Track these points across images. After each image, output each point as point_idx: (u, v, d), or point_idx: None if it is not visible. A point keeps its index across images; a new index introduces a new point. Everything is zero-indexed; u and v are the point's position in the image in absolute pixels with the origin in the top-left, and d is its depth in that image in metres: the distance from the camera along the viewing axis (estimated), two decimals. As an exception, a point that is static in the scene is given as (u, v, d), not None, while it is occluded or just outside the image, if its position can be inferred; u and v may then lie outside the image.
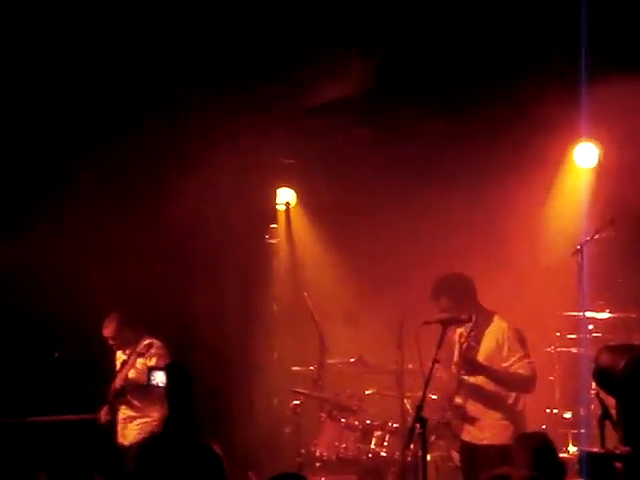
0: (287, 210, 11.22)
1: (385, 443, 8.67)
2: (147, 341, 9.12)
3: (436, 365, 6.94)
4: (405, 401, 8.34)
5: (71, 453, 8.83)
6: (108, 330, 9.22)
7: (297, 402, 9.18)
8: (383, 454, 8.64)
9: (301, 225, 11.23)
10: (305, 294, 9.55)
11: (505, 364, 7.50)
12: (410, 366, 8.07)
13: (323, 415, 8.97)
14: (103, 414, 9.26)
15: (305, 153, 10.68)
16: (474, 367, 7.54)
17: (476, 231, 9.80)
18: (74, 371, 9.83)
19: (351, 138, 10.45)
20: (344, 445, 8.71)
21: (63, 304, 9.72)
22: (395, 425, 8.59)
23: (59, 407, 9.59)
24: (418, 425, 6.69)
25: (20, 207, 9.66)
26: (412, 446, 7.38)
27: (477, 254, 9.50)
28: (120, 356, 9.35)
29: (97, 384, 9.57)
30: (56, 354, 9.65)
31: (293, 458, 8.90)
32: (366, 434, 8.71)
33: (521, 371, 7.49)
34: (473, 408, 7.62)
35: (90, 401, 9.55)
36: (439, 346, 7.03)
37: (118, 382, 9.13)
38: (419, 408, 6.74)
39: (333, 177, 10.43)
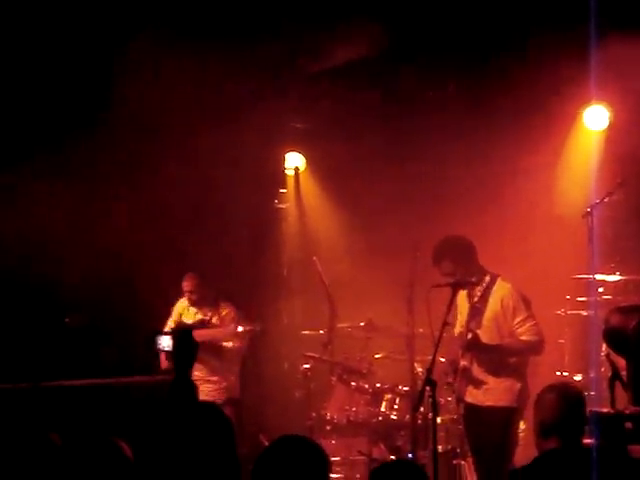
0: (296, 175, 11.20)
1: (395, 406, 8.69)
2: (227, 309, 9.37)
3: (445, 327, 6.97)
4: (415, 364, 8.35)
5: (86, 418, 8.85)
6: (188, 284, 9.39)
7: (307, 366, 9.20)
8: (393, 417, 8.66)
9: (310, 190, 11.21)
10: (315, 258, 9.53)
11: (510, 325, 7.52)
12: (420, 330, 8.08)
13: (333, 379, 8.98)
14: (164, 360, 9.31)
15: (314, 117, 10.65)
16: (479, 349, 7.56)
17: (487, 194, 9.77)
18: (84, 336, 9.86)
19: (361, 102, 10.40)
20: (354, 408, 8.73)
21: (73, 269, 9.74)
22: (405, 388, 8.60)
23: (71, 372, 9.61)
24: (428, 388, 6.71)
25: (24, 169, 9.63)
26: (422, 409, 7.41)
27: (488, 217, 9.48)
28: (190, 312, 9.44)
29: (107, 349, 9.61)
30: (66, 319, 9.69)
31: (304, 421, 8.92)
32: (376, 397, 8.73)
33: (525, 337, 7.51)
34: (478, 370, 7.64)
35: (101, 366, 9.59)
36: (449, 309, 7.06)
37: (200, 338, 9.21)
38: (429, 371, 6.77)
39: (342, 142, 10.39)
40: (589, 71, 7.95)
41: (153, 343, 7.73)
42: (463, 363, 7.67)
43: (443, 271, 7.70)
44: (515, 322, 7.53)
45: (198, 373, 9.26)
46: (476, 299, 7.58)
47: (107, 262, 9.83)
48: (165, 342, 7.44)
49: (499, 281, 7.64)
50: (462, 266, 7.65)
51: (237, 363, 9.49)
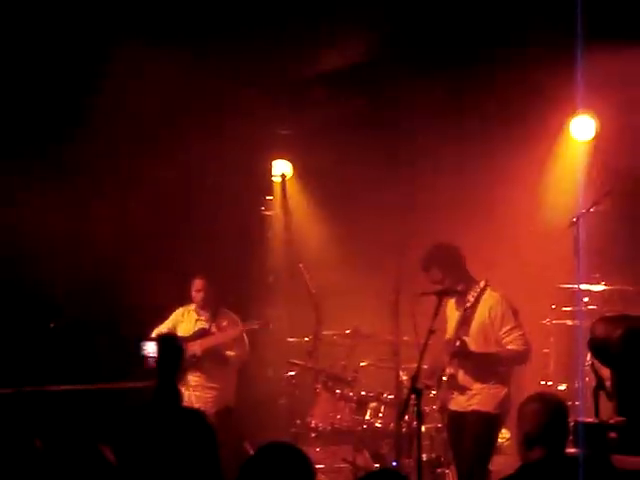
0: (283, 182, 11.20)
1: (380, 414, 8.72)
2: (227, 320, 9.45)
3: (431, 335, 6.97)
4: (400, 372, 8.36)
5: (70, 423, 8.82)
6: (199, 283, 9.45)
7: (292, 373, 9.23)
8: (378, 425, 8.68)
9: (297, 197, 11.22)
10: (301, 265, 9.55)
11: (498, 334, 7.52)
12: (405, 338, 8.09)
13: (318, 386, 8.98)
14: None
15: (301, 124, 10.65)
16: (467, 356, 7.57)
17: (472, 203, 9.78)
18: (70, 341, 9.83)
19: (348, 109, 10.41)
20: (339, 416, 8.74)
21: (59, 273, 9.71)
22: (390, 396, 8.63)
23: (56, 377, 9.58)
24: (413, 396, 6.71)
25: (12, 169, 9.61)
26: (407, 417, 7.42)
27: (473, 227, 9.48)
28: (191, 317, 9.47)
29: (93, 353, 9.58)
30: (51, 324, 9.66)
31: (288, 429, 8.94)
32: (361, 405, 8.74)
33: (513, 346, 7.50)
34: (464, 378, 7.64)
35: (86, 371, 9.56)
36: (435, 317, 7.05)
37: (200, 348, 9.25)
38: (414, 379, 6.76)
39: (329, 149, 10.39)
40: (575, 81, 7.97)
41: (137, 348, 7.71)
42: (449, 370, 7.67)
43: (431, 279, 7.71)
44: (503, 331, 7.53)
45: (198, 379, 9.28)
46: (465, 307, 7.58)
47: (93, 266, 9.80)
48: (150, 348, 7.42)
49: (488, 290, 7.63)
50: (450, 274, 7.66)
51: (235, 371, 9.50)
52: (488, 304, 7.60)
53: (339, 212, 10.64)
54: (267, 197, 11.29)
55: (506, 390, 7.56)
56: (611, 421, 5.36)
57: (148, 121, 9.66)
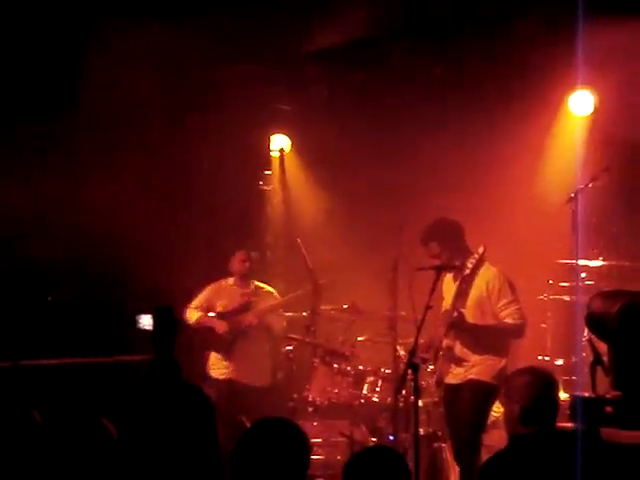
0: (281, 156, 11.18)
1: (377, 389, 8.73)
2: (265, 289, 9.57)
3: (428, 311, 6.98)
4: (397, 347, 8.37)
5: (69, 396, 8.84)
6: (245, 254, 9.52)
7: (290, 348, 9.25)
8: (375, 399, 8.70)
9: (295, 172, 11.20)
10: (299, 240, 9.55)
11: (494, 308, 7.55)
12: (403, 313, 8.10)
13: (316, 361, 9.00)
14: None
15: (300, 99, 10.62)
16: (463, 327, 7.57)
17: (472, 179, 9.77)
18: (67, 314, 9.84)
19: (347, 85, 10.39)
20: (336, 390, 8.77)
21: (58, 246, 9.72)
22: (387, 371, 8.64)
23: (54, 351, 9.59)
24: (410, 371, 6.72)
25: (16, 148, 9.59)
26: (404, 391, 7.43)
27: (472, 202, 9.48)
28: (232, 291, 9.52)
29: (91, 327, 9.60)
30: (49, 297, 9.66)
31: (286, 403, 8.95)
32: (358, 380, 8.77)
33: (509, 320, 7.54)
34: (461, 349, 7.65)
35: (85, 344, 9.58)
36: (432, 292, 7.06)
37: (253, 317, 9.34)
38: (411, 354, 6.77)
39: (328, 124, 10.38)
40: (574, 56, 7.94)
41: (134, 322, 7.72)
42: (446, 342, 7.67)
43: (430, 253, 7.72)
44: (499, 305, 7.55)
45: (249, 350, 9.32)
46: (462, 281, 7.58)
47: (93, 241, 9.78)
48: (146, 321, 7.42)
49: (486, 264, 7.64)
50: (449, 248, 7.68)
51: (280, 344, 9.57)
52: (485, 278, 7.61)
53: (337, 187, 10.63)
54: (265, 172, 11.27)
55: (504, 362, 7.59)
56: (608, 395, 5.37)
57: (146, 96, 9.63)
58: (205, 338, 9.44)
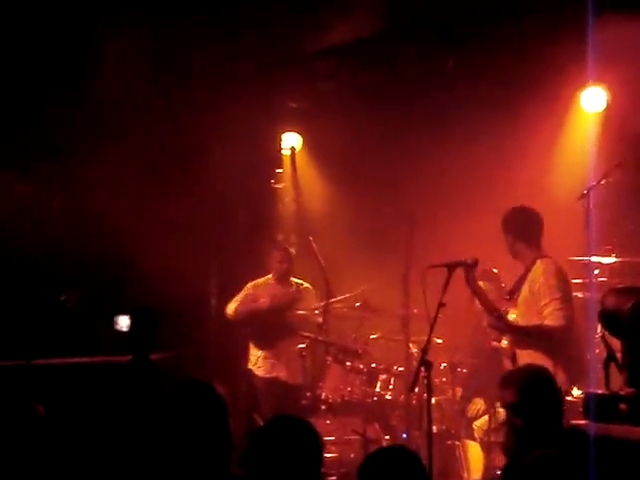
0: (292, 155, 11.19)
1: (390, 386, 8.73)
2: (304, 285, 9.60)
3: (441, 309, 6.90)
4: (410, 345, 8.37)
5: (78, 395, 8.85)
6: (279, 255, 9.65)
7: (302, 345, 9.23)
8: (388, 397, 8.70)
9: (306, 170, 11.21)
10: (310, 238, 9.55)
11: (538, 307, 7.25)
12: (416, 310, 8.09)
13: (329, 358, 9.00)
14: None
15: (311, 97, 10.62)
16: (501, 326, 7.47)
17: (483, 176, 9.75)
18: (80, 313, 9.85)
19: (358, 82, 10.38)
20: (349, 388, 8.76)
21: (68, 245, 9.74)
22: (400, 369, 8.64)
23: (66, 350, 9.61)
24: (423, 368, 6.71)
25: (21, 146, 9.61)
26: (417, 389, 7.42)
27: (484, 199, 9.47)
28: (273, 287, 9.62)
29: (103, 327, 9.61)
30: (62, 297, 9.66)
31: (299, 401, 8.96)
32: (371, 377, 8.76)
33: (548, 321, 7.20)
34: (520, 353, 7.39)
35: (96, 344, 9.59)
36: (445, 290, 7.00)
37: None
38: (424, 352, 6.75)
39: (339, 121, 10.37)
40: (586, 53, 7.92)
41: (112, 322, 7.68)
42: (504, 343, 7.61)
43: (506, 242, 7.54)
44: (541, 304, 7.25)
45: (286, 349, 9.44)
46: (517, 279, 7.45)
47: (103, 239, 9.80)
48: (123, 322, 7.38)
49: (537, 263, 7.40)
50: (519, 242, 7.47)
51: None
52: (533, 276, 7.36)
53: (349, 185, 10.63)
54: (277, 170, 11.28)
55: (557, 367, 7.06)
56: (621, 392, 5.35)
57: (154, 96, 9.65)
58: (247, 333, 9.49)
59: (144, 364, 6.47)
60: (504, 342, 7.70)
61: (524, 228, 7.54)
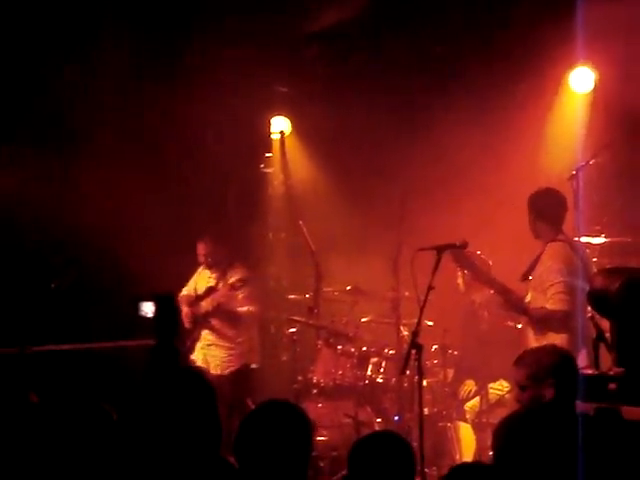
0: (282, 139, 11.16)
1: (381, 369, 8.74)
2: (236, 276, 9.24)
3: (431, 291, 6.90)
4: (401, 328, 8.38)
5: (72, 382, 8.86)
6: (202, 248, 9.43)
7: (293, 330, 9.22)
8: (379, 380, 8.71)
9: (296, 154, 11.19)
10: (300, 222, 9.54)
11: (545, 290, 7.19)
12: (406, 293, 8.09)
13: (319, 342, 9.01)
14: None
15: (300, 81, 10.59)
16: (507, 309, 7.50)
17: (472, 157, 9.74)
18: (71, 300, 9.86)
19: (347, 65, 10.36)
20: (340, 372, 8.77)
21: (59, 231, 9.73)
22: (391, 351, 8.64)
23: (59, 337, 9.61)
24: (414, 351, 6.72)
25: (14, 137, 9.60)
26: (408, 372, 7.43)
27: (473, 183, 9.48)
28: (204, 275, 9.49)
29: (94, 313, 9.62)
30: (52, 285, 9.67)
31: (290, 385, 8.96)
32: (362, 361, 8.76)
33: (549, 305, 7.15)
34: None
35: (88, 330, 9.60)
36: (434, 273, 6.98)
37: (207, 305, 9.30)
38: (415, 334, 6.75)
39: (328, 105, 10.35)
40: (574, 33, 7.91)
41: (135, 309, 7.71)
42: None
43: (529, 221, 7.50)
44: (544, 287, 7.21)
45: (211, 338, 9.32)
46: (532, 260, 7.42)
47: (94, 225, 9.78)
48: (147, 308, 7.41)
49: (549, 244, 7.35)
50: (540, 223, 7.43)
51: (254, 329, 9.52)
52: (544, 257, 7.33)
53: (338, 169, 10.61)
54: (266, 154, 11.26)
55: (562, 337, 7.02)
56: (611, 372, 5.37)
57: (144, 79, 9.63)
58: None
59: (169, 349, 6.51)
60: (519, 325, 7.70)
61: (548, 209, 7.49)
